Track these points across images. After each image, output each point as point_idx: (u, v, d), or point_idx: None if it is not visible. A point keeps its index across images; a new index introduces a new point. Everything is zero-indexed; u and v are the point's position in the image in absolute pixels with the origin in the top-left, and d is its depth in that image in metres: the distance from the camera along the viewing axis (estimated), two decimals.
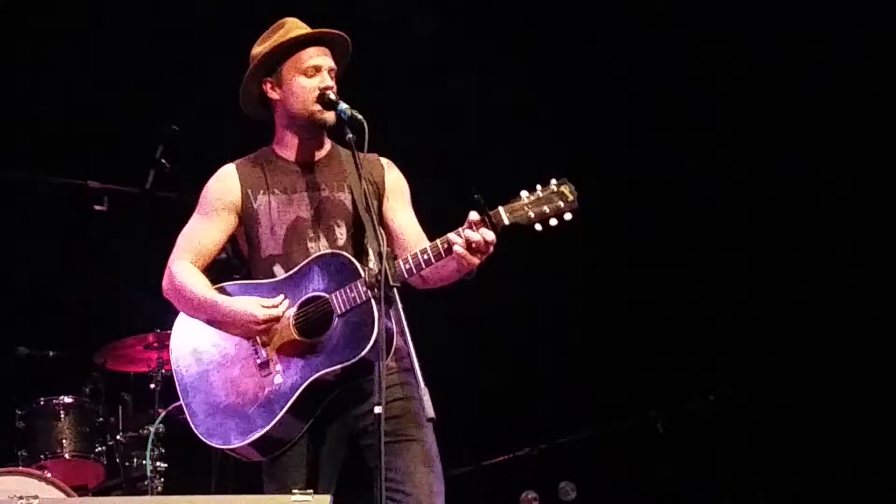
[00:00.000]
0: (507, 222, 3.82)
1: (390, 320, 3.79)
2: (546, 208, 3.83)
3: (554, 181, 3.88)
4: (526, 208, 3.83)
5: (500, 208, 3.84)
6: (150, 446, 5.76)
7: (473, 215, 3.77)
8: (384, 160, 4.22)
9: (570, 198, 3.86)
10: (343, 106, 3.98)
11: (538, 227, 3.83)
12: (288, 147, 4.15)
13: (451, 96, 7.05)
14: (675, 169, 7.24)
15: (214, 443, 3.96)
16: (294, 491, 3.59)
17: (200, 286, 4.01)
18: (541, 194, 3.86)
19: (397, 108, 6.25)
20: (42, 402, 5.90)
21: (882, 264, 6.97)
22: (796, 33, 6.86)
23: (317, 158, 4.14)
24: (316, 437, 3.96)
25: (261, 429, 3.88)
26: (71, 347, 6.28)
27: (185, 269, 4.04)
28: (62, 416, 5.89)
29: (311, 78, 4.06)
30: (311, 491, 3.62)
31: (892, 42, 6.74)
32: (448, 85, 7.05)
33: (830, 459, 6.89)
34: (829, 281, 7.02)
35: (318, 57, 4.08)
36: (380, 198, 4.13)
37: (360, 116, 3.94)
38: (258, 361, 3.94)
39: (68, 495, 5.27)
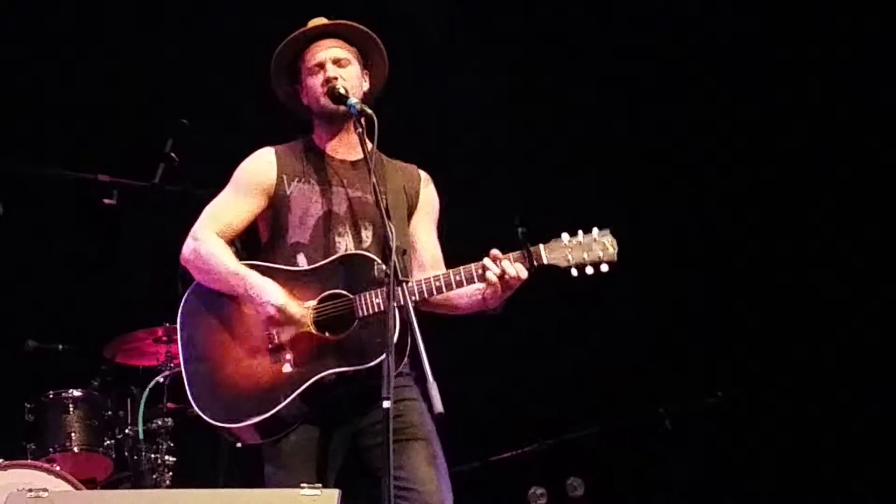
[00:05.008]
0: (545, 261, 3.86)
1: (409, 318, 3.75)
2: (585, 255, 3.86)
3: (597, 230, 3.90)
4: (565, 251, 3.86)
5: (541, 246, 3.87)
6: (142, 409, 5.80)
7: (516, 253, 3.83)
8: (423, 174, 4.25)
9: (611, 250, 3.88)
10: (353, 100, 4.01)
11: (574, 272, 3.85)
12: (325, 143, 4.18)
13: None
14: (685, 164, 7.24)
15: (207, 416, 3.91)
16: (302, 484, 3.58)
17: (229, 257, 4.01)
18: (582, 240, 3.88)
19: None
20: (51, 396, 5.90)
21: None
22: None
23: (355, 158, 4.12)
24: (319, 431, 3.94)
25: (260, 415, 3.86)
26: (80, 341, 6.28)
27: (213, 238, 4.04)
28: (71, 409, 5.88)
29: (316, 76, 4.12)
30: (321, 485, 3.62)
31: None
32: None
33: (837, 457, 6.88)
34: (840, 279, 7.01)
35: (320, 52, 4.14)
36: (410, 209, 4.16)
37: (369, 111, 3.97)
38: (269, 346, 3.92)
39: (77, 488, 5.27)
